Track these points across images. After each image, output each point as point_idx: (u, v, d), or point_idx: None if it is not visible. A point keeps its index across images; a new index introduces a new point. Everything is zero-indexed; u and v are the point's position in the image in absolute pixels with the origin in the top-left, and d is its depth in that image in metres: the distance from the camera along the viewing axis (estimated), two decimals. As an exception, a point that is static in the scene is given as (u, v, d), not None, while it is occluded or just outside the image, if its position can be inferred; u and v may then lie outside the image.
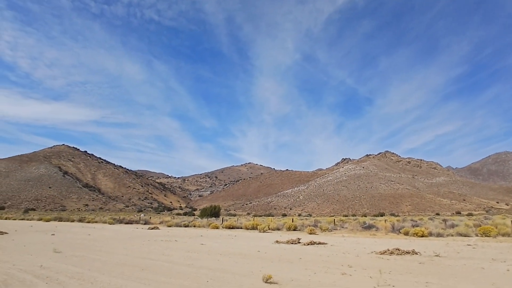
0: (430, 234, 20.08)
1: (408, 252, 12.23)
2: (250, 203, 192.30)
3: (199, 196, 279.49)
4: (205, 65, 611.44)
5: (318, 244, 15.99)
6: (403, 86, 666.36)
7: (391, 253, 12.24)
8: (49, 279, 8.06)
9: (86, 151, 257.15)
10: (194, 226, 34.39)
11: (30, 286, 7.34)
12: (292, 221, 31.63)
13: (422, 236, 19.54)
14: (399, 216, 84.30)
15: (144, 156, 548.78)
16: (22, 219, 54.39)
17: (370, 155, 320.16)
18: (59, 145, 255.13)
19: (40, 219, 51.13)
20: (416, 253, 12.20)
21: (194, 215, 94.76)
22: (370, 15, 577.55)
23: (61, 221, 48.49)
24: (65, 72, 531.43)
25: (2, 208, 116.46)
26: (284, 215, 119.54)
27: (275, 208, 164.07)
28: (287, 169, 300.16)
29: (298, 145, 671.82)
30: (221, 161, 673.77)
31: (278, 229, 27.90)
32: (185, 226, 34.98)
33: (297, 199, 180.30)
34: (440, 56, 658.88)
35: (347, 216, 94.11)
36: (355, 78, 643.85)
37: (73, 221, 47.62)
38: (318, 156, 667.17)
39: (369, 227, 25.05)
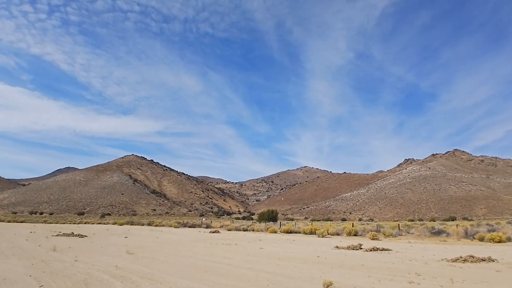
0: (509, 240, 18.10)
1: (483, 259, 11.15)
2: (307, 207, 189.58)
3: (256, 200, 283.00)
4: (257, 71, 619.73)
5: (382, 250, 15.30)
6: (470, 78, 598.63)
7: (464, 260, 11.25)
8: (124, 278, 8.83)
9: (152, 160, 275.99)
10: (253, 230, 34.97)
11: (107, 285, 8.07)
12: (352, 226, 30.59)
13: (499, 242, 17.68)
14: (473, 220, 77.02)
15: (204, 163, 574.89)
16: (99, 223, 60.01)
17: (436, 154, 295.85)
18: (129, 155, 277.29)
19: (114, 223, 56.00)
20: (493, 260, 11.07)
21: (252, 219, 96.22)
22: (427, 5, 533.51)
23: (133, 225, 52.61)
24: (132, 88, 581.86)
25: (82, 213, 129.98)
26: (344, 219, 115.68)
27: (333, 213, 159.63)
28: (344, 172, 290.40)
29: (355, 147, 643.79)
30: (276, 165, 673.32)
31: (338, 234, 27.18)
32: (244, 230, 35.75)
33: (357, 203, 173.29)
34: (510, 43, 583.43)
35: (413, 220, 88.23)
36: (415, 73, 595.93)
37: (143, 224, 51.35)
38: (377, 158, 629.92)
39: (438, 233, 23.26)
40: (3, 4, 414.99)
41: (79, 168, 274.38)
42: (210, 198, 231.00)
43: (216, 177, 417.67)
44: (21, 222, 59.61)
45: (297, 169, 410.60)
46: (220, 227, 40.49)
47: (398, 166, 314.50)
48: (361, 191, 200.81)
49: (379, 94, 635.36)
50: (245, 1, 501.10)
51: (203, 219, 76.09)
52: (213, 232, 31.82)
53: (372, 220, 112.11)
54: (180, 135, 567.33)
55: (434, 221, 74.78)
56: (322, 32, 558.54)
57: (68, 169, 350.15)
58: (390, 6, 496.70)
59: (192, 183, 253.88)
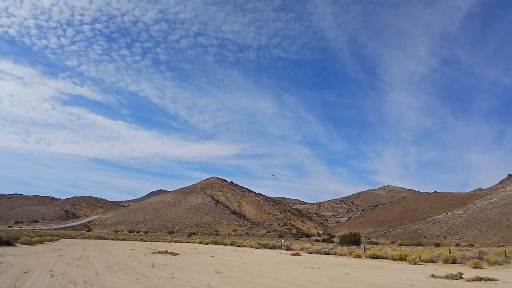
0: None
1: None
2: (393, 230, 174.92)
3: (336, 222, 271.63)
4: (331, 89, 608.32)
5: (486, 280, 13.54)
6: None
7: None
8: (217, 296, 9.49)
9: (232, 182, 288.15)
10: (335, 254, 33.75)
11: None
12: (450, 252, 27.48)
13: None
14: None
15: (280, 184, 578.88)
16: (187, 242, 64.31)
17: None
18: (211, 177, 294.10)
19: (200, 242, 59.41)
20: None
21: (332, 242, 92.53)
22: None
23: (217, 244, 55.17)
24: (213, 115, 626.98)
25: (172, 232, 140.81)
26: (438, 244, 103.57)
27: (424, 237, 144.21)
28: (435, 191, 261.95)
29: (446, 162, 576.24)
30: (356, 185, 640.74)
31: (432, 261, 24.68)
32: (325, 254, 34.73)
33: (452, 226, 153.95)
34: None
35: (526, 247, 74.86)
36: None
37: (226, 244, 53.51)
38: (474, 174, 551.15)
39: None
40: (105, 50, 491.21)
41: (169, 190, 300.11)
42: (288, 219, 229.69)
43: (293, 198, 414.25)
44: (122, 239, 67.13)
45: (380, 188, 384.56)
46: (300, 250, 39.97)
47: (501, 182, 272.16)
48: (457, 212, 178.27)
49: (472, 102, 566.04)
50: (316, 22, 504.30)
51: (282, 240, 75.87)
52: (293, 255, 31.62)
53: (472, 245, 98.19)
54: (257, 157, 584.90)
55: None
56: (399, 42, 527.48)
57: (160, 192, 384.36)
58: (476, 6, 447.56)
59: (270, 204, 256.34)
